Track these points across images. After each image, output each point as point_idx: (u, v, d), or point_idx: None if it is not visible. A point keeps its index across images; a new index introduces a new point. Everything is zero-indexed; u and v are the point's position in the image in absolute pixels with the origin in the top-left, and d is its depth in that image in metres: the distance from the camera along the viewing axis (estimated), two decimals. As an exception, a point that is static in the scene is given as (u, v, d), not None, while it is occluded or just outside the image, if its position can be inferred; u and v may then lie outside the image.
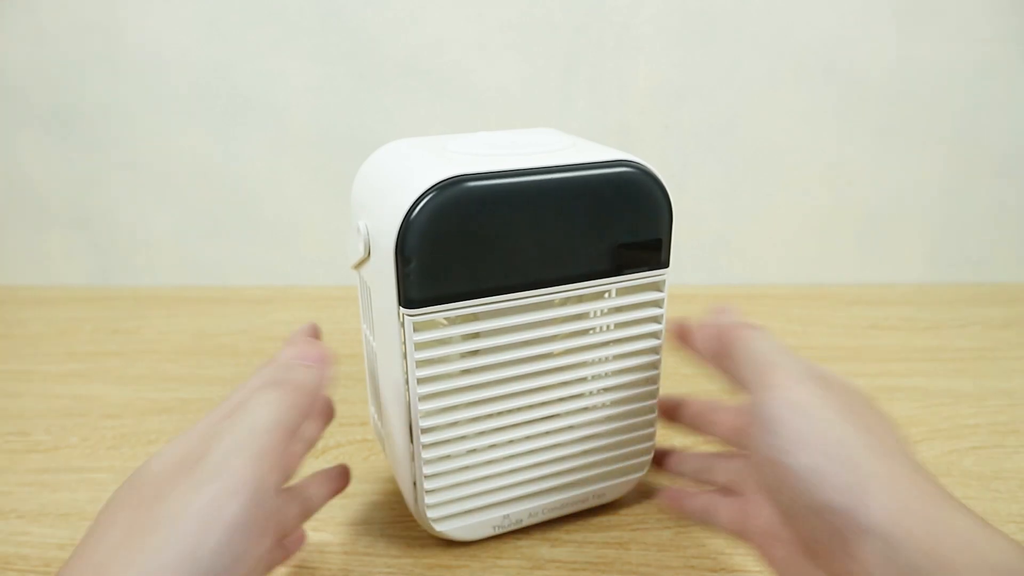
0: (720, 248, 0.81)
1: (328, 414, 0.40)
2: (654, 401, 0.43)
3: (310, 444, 0.38)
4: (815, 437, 0.28)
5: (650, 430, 0.43)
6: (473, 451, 0.39)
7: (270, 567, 0.34)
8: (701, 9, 0.70)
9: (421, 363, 0.36)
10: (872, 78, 0.72)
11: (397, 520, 0.44)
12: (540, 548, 0.42)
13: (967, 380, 0.60)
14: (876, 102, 0.73)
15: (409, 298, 0.34)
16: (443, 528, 0.40)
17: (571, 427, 0.41)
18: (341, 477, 0.39)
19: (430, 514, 0.39)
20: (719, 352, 0.36)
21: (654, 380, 0.42)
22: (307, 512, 0.37)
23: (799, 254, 0.81)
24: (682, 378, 0.53)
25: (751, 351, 0.33)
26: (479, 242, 0.34)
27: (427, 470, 0.38)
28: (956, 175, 0.76)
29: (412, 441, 0.37)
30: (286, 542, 0.36)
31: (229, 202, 0.80)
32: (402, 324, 0.35)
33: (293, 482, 0.36)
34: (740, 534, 0.36)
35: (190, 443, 0.29)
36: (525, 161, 0.35)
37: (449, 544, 0.42)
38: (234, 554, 0.26)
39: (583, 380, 0.40)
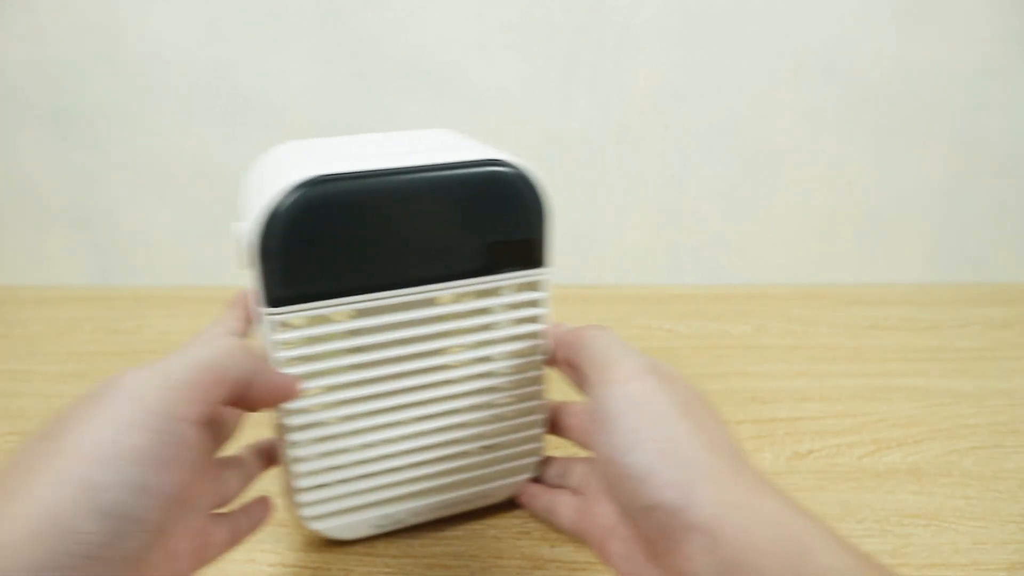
0: (720, 248, 0.81)
1: (269, 459, 0.39)
2: (540, 402, 0.43)
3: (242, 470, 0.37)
4: (649, 435, 0.28)
5: (537, 431, 0.43)
6: (347, 450, 0.39)
7: (236, 536, 0.34)
8: (701, 9, 0.70)
9: (286, 362, 0.36)
10: (872, 78, 0.72)
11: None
12: (540, 548, 0.42)
13: (967, 380, 0.60)
14: (876, 102, 0.73)
15: (272, 297, 0.34)
16: (319, 527, 0.40)
17: (450, 427, 0.41)
18: (272, 450, 0.39)
19: (304, 512, 0.39)
20: (570, 357, 0.36)
21: (538, 380, 0.42)
22: (248, 477, 0.37)
23: (799, 254, 0.81)
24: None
25: (593, 349, 0.34)
26: (341, 242, 0.34)
27: (297, 468, 0.38)
28: (956, 175, 0.76)
29: (283, 439, 0.38)
30: (251, 510, 0.36)
31: (229, 202, 0.80)
32: (267, 323, 0.35)
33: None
34: (578, 532, 0.37)
35: (116, 378, 0.27)
36: (394, 161, 0.35)
37: (449, 543, 0.42)
38: (140, 486, 0.24)
39: (461, 380, 0.40)
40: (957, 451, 0.50)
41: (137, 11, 0.72)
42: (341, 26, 0.72)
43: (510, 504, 0.45)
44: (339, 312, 0.36)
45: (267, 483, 0.40)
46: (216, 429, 0.33)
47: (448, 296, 0.39)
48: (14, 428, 0.54)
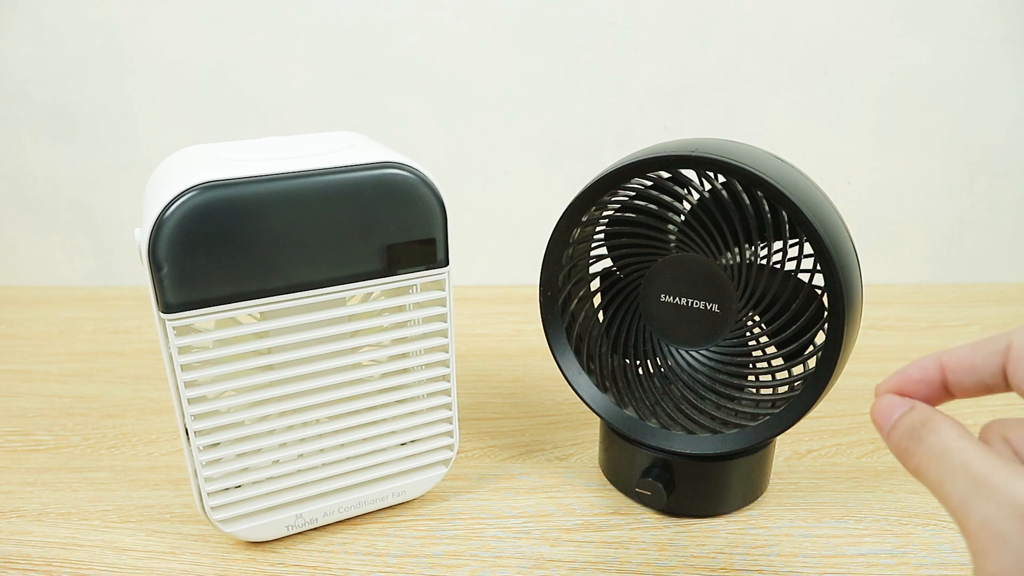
0: (720, 248, 0.81)
1: None
2: (449, 400, 0.43)
3: None
4: None
5: (448, 428, 0.44)
6: (256, 452, 0.40)
7: None
8: (700, 9, 0.70)
9: (185, 367, 0.36)
10: (872, 78, 0.73)
11: (395, 520, 0.45)
12: (540, 547, 0.42)
13: (966, 380, 0.60)
14: (876, 102, 0.74)
15: (167, 303, 0.34)
16: (231, 529, 0.40)
17: (359, 426, 0.42)
18: None
19: (215, 516, 0.40)
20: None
21: (446, 379, 0.43)
22: None
23: (799, 254, 0.81)
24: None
25: None
26: (234, 246, 0.34)
27: (204, 472, 0.38)
28: (956, 175, 0.76)
29: (188, 443, 0.38)
30: None
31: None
32: (164, 329, 0.35)
33: None
34: None
35: None
36: (287, 165, 0.35)
37: (452, 542, 0.42)
38: None
39: (368, 380, 0.41)
40: (956, 451, 0.50)
41: (137, 11, 0.72)
42: (341, 26, 0.72)
43: (511, 504, 0.46)
44: (245, 315, 0.36)
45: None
46: None
47: (358, 297, 0.39)
48: (15, 428, 0.55)
